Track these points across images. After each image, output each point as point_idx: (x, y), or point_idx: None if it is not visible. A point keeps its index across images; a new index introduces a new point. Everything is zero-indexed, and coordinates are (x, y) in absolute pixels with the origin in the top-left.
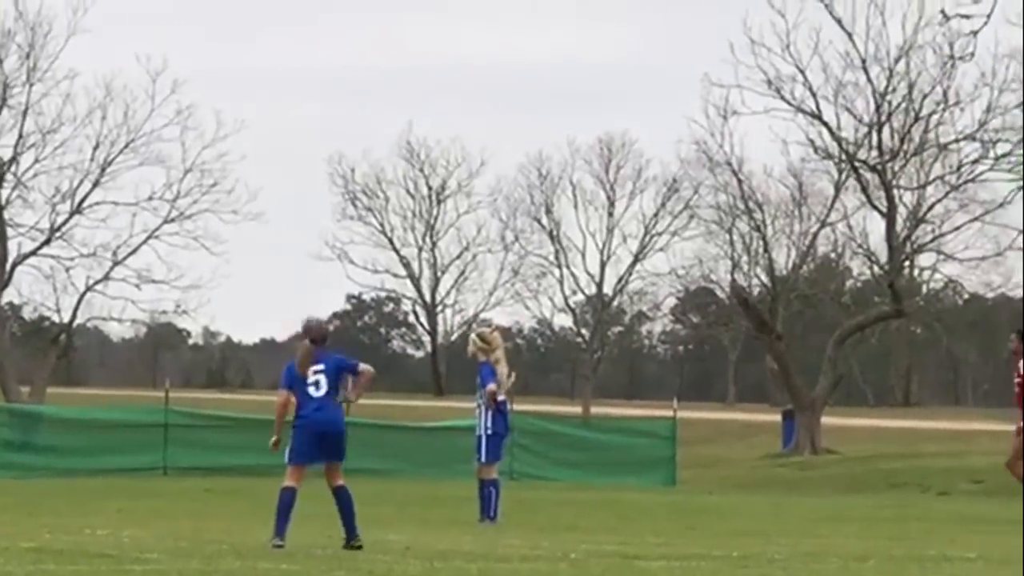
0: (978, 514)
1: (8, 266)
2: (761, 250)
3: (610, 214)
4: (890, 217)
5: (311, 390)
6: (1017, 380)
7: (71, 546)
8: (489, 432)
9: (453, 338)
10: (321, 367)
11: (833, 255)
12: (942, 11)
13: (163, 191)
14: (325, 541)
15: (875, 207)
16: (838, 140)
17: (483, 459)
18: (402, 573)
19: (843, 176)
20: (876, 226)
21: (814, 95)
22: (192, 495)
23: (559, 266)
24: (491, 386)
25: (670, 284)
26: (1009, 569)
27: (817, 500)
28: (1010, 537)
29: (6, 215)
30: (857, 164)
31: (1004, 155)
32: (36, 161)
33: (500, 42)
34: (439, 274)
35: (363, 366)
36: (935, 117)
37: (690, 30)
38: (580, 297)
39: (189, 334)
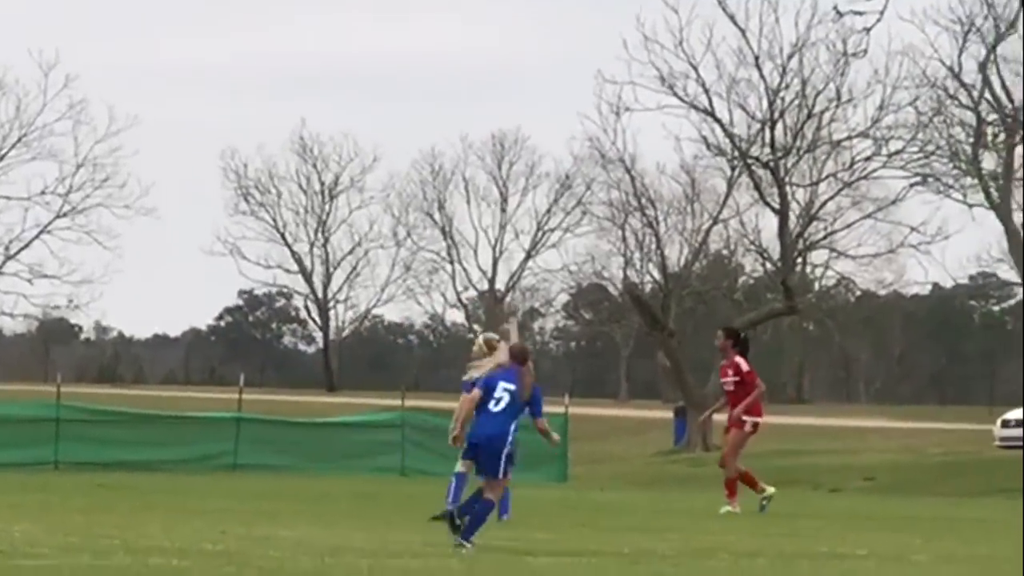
0: (870, 511)
1: None
2: (654, 247)
3: (503, 210)
4: (783, 214)
5: (491, 404)
6: (729, 380)
7: None
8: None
9: (345, 334)
10: (512, 387)
11: (725, 252)
12: (835, 7)
13: (55, 185)
14: (217, 537)
15: (768, 204)
16: (731, 137)
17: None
18: (293, 569)
19: (736, 173)
20: (769, 223)
21: (707, 92)
22: (84, 490)
23: (451, 262)
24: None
25: (562, 280)
26: (899, 566)
27: (708, 497)
28: (901, 534)
29: None
30: (750, 161)
31: (896, 152)
32: None
33: (393, 37)
34: (331, 270)
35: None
36: (828, 114)
37: (584, 26)
38: (472, 293)
39: (81, 329)
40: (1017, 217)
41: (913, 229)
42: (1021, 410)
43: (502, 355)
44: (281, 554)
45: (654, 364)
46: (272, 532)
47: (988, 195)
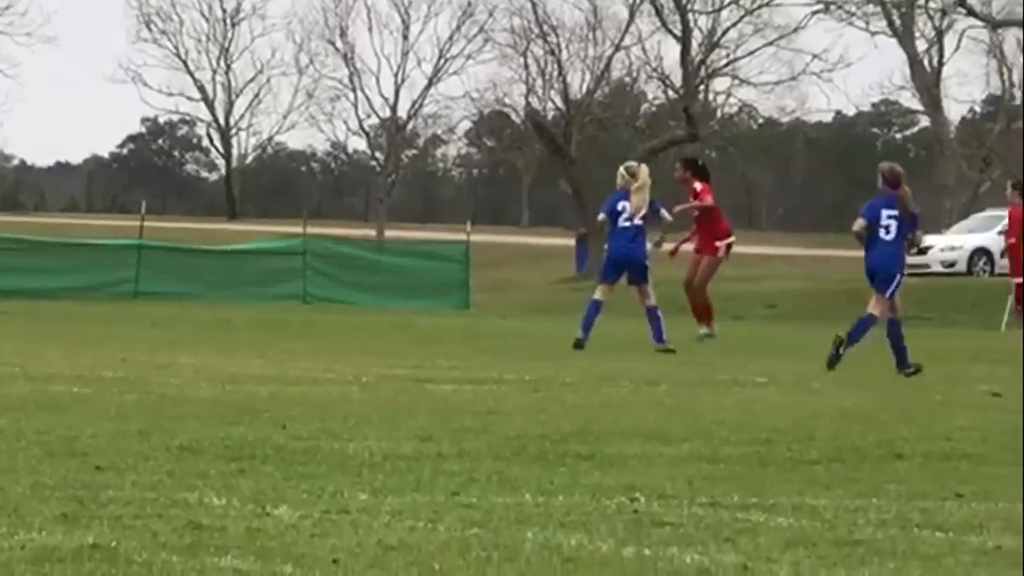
0: (771, 339)
1: None
2: (556, 74)
3: (405, 37)
4: (685, 41)
5: (882, 233)
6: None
7: None
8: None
9: (248, 161)
10: (895, 213)
11: (628, 79)
12: None
13: None
14: (118, 364)
15: (670, 31)
16: None
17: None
18: (194, 396)
19: (638, 0)
20: (671, 50)
21: None
22: None
23: (353, 89)
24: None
25: (465, 108)
26: (799, 393)
27: (609, 323)
28: (801, 361)
29: None
30: None
31: None
32: None
33: None
34: (233, 97)
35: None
36: None
37: None
38: (374, 120)
39: None
40: (919, 44)
41: (815, 56)
42: (924, 238)
43: (644, 178)
44: (182, 381)
45: (556, 191)
46: (173, 360)
47: (891, 23)
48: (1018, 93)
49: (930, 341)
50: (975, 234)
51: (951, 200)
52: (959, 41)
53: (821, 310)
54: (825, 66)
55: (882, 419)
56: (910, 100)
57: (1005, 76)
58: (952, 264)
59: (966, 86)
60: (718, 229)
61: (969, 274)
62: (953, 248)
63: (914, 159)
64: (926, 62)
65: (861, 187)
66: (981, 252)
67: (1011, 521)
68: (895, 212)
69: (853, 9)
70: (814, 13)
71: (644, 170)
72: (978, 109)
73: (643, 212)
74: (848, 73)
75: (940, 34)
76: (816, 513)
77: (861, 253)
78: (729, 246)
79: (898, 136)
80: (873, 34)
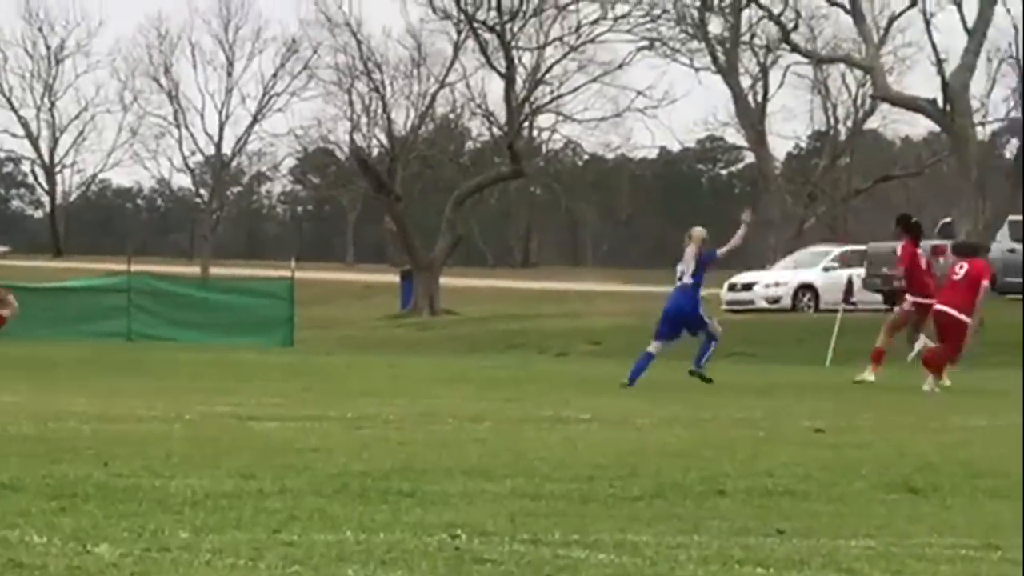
0: (595, 375)
1: None
2: (380, 111)
3: (229, 74)
4: (509, 78)
5: None
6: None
7: None
8: None
9: (73, 198)
10: None
11: (452, 116)
12: None
13: None
14: None
15: (494, 68)
16: (457, 0)
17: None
18: (15, 433)
19: (462, 36)
20: (495, 87)
21: None
22: None
23: (178, 126)
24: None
25: (289, 145)
26: (622, 430)
27: (435, 361)
28: (626, 399)
29: None
30: (476, 24)
31: (623, 16)
32: None
33: None
34: (58, 134)
35: None
36: None
37: None
38: (199, 157)
39: None
40: (744, 80)
41: (640, 93)
42: (748, 274)
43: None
44: (3, 419)
45: (381, 228)
46: None
47: (715, 59)
48: (841, 128)
49: (754, 377)
50: (800, 270)
51: (776, 236)
52: (783, 77)
53: (644, 346)
54: (650, 102)
55: (705, 455)
56: (735, 136)
57: (830, 112)
58: (777, 300)
59: (791, 122)
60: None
61: (794, 310)
62: (778, 284)
63: (739, 195)
64: (751, 98)
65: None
66: (806, 288)
67: (832, 557)
68: None
69: (677, 46)
70: (639, 50)
71: (694, 232)
72: (803, 145)
73: (691, 270)
74: (673, 109)
75: (765, 70)
76: (637, 550)
77: None
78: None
79: (723, 172)
80: (697, 70)
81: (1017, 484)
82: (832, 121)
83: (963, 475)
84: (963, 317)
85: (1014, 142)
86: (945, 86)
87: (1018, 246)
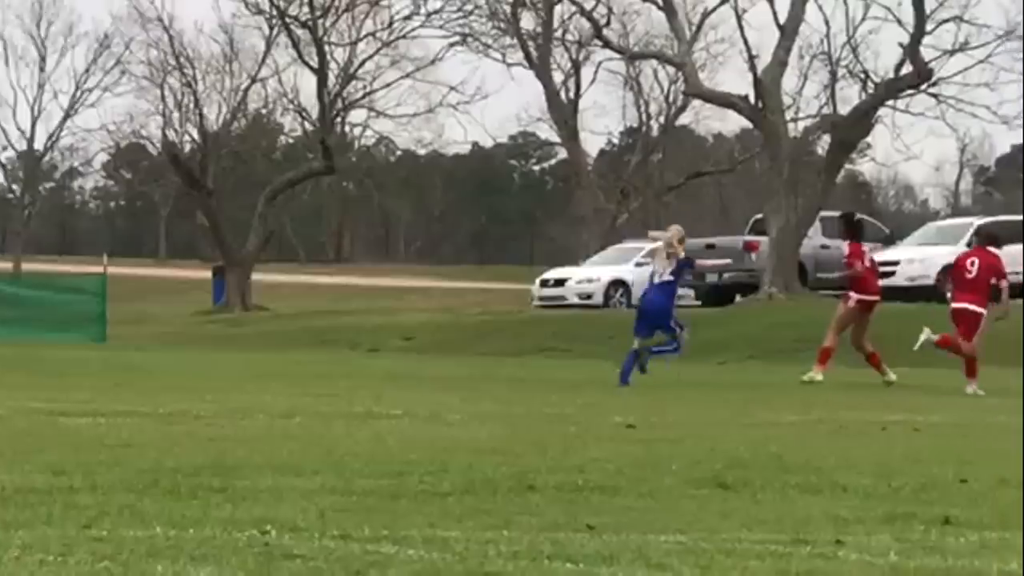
0: (407, 371)
1: None
2: (192, 106)
3: (41, 69)
4: (321, 73)
5: None
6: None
7: None
8: None
9: None
10: None
11: (264, 111)
12: None
13: None
14: None
15: (306, 63)
16: None
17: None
18: None
19: (274, 32)
20: (308, 82)
21: None
22: None
23: None
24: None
25: (101, 140)
26: (433, 425)
27: (247, 357)
28: (438, 394)
29: None
30: (288, 20)
31: (435, 12)
32: None
33: None
34: None
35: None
36: None
37: None
38: (11, 153)
39: None
40: (557, 76)
41: (452, 88)
42: (560, 270)
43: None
44: None
45: (193, 224)
46: None
47: (528, 55)
48: (654, 124)
49: (566, 373)
50: (612, 266)
51: (588, 232)
52: (596, 73)
53: (458, 342)
54: (462, 98)
55: (516, 451)
56: (548, 132)
57: (642, 108)
58: (589, 296)
59: (603, 118)
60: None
61: (606, 306)
62: (590, 280)
63: (552, 191)
64: (563, 94)
65: (500, 219)
66: (618, 284)
67: (642, 552)
68: None
69: (490, 41)
70: (451, 45)
71: (672, 230)
72: (616, 141)
73: (669, 268)
74: (485, 105)
75: (577, 66)
76: (447, 545)
77: (496, 285)
78: (860, 301)
79: (536, 168)
80: (510, 66)
81: (826, 478)
82: (644, 117)
83: (773, 470)
84: (979, 309)
85: (826, 138)
86: (757, 82)
87: (830, 242)
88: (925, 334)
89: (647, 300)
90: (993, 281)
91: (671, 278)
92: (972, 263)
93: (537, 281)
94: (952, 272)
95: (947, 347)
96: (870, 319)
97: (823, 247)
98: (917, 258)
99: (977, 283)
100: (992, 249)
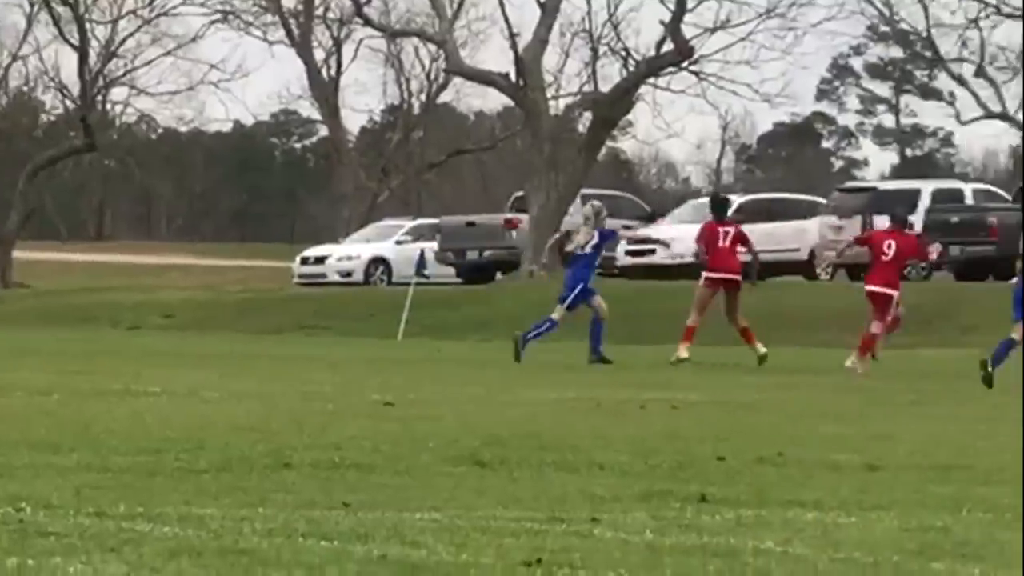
0: (167, 348)
1: None
2: None
3: None
4: (82, 51)
5: None
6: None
7: None
8: None
9: None
10: None
11: (26, 89)
12: None
13: None
14: None
15: (67, 41)
16: None
17: None
18: None
19: (35, 9)
20: (69, 60)
21: None
22: None
23: None
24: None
25: None
26: (191, 403)
27: (6, 334)
28: (197, 371)
29: None
30: None
31: None
32: None
33: None
34: None
35: None
36: None
37: None
38: None
39: None
40: (318, 54)
41: (213, 66)
42: (321, 247)
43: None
44: None
45: None
46: None
47: (289, 32)
48: (415, 102)
49: (326, 350)
50: (372, 243)
51: (349, 209)
52: (357, 51)
53: (219, 319)
54: (223, 76)
55: (273, 428)
56: (309, 110)
57: (403, 85)
58: (349, 273)
59: (364, 96)
60: None
61: (366, 283)
62: (350, 258)
63: (314, 168)
64: (324, 72)
65: (261, 197)
66: (378, 261)
67: (397, 530)
68: None
69: (251, 19)
70: (212, 23)
71: (592, 205)
72: (377, 119)
73: (591, 241)
74: (247, 83)
75: (338, 44)
76: (203, 523)
77: (258, 262)
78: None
79: (298, 146)
80: (271, 44)
81: (583, 456)
82: (406, 95)
83: (530, 448)
84: (892, 292)
85: (587, 116)
86: (518, 60)
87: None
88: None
89: (570, 273)
90: (910, 259)
91: (592, 251)
92: (889, 245)
93: (297, 259)
94: (872, 254)
95: (871, 346)
96: (737, 296)
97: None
98: (678, 236)
99: (891, 265)
100: (909, 232)
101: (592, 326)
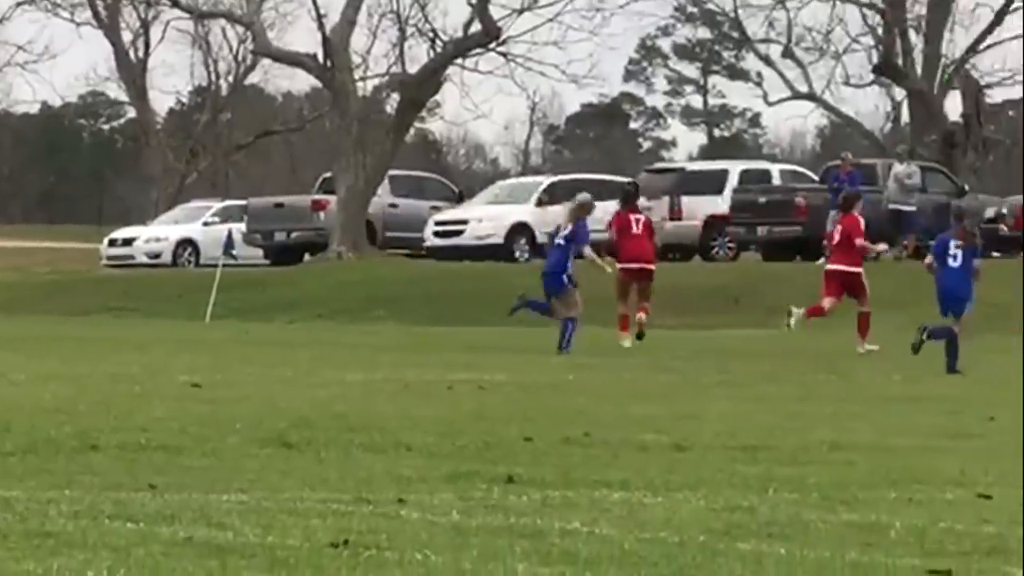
0: None
1: None
2: None
3: None
4: None
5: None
6: None
7: None
8: None
9: None
10: None
11: None
12: None
13: None
14: None
15: None
16: None
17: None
18: None
19: None
20: None
21: None
22: None
23: None
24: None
25: None
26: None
27: None
28: (3, 353)
29: None
30: None
31: None
32: None
33: None
34: None
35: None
36: None
37: None
38: None
39: None
40: (126, 35)
41: (20, 48)
42: (128, 229)
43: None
44: None
45: None
46: None
47: (96, 13)
48: (223, 84)
49: (134, 332)
50: (180, 225)
51: (157, 191)
52: (164, 32)
53: (25, 301)
54: (30, 57)
55: (80, 411)
56: (117, 91)
57: (211, 67)
58: (157, 255)
59: (172, 77)
60: None
61: (174, 265)
62: (158, 239)
63: (121, 150)
64: (132, 53)
65: (69, 178)
66: (186, 243)
67: (203, 512)
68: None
69: (58, 0)
70: (19, 4)
71: (579, 198)
72: (185, 100)
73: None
74: (54, 64)
75: (146, 25)
76: (8, 505)
77: (66, 244)
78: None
79: (106, 127)
80: (79, 25)
81: (390, 437)
82: (214, 76)
83: (338, 429)
84: (854, 269)
85: (395, 97)
86: (326, 41)
87: (399, 200)
88: (795, 315)
89: (548, 263)
90: (859, 242)
91: (563, 242)
92: (839, 230)
93: (105, 240)
94: (827, 238)
95: (817, 315)
96: (651, 285)
97: (392, 206)
98: (486, 216)
99: (844, 246)
100: (853, 212)
101: (537, 307)
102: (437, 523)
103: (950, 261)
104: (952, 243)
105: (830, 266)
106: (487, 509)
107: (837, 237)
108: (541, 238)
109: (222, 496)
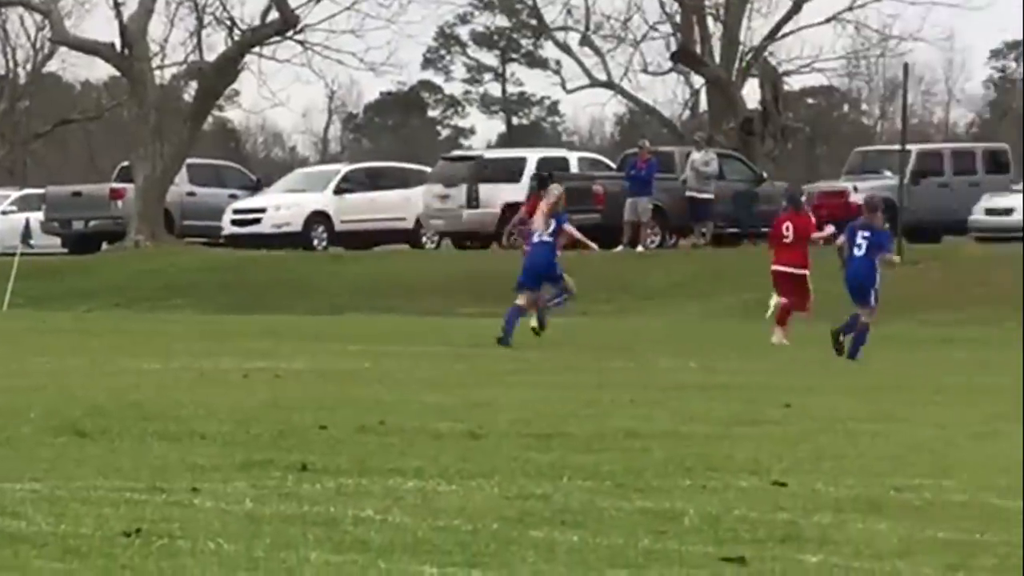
0: None
1: None
2: None
3: None
4: None
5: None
6: None
7: None
8: None
9: None
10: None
11: None
12: None
13: None
14: None
15: None
16: None
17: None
18: None
19: None
20: None
21: None
22: None
23: None
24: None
25: None
26: None
27: None
28: None
29: None
30: None
31: None
32: None
33: None
34: None
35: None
36: None
37: None
38: None
39: None
40: None
41: None
42: None
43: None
44: None
45: None
46: None
47: None
48: (21, 72)
49: None
50: None
51: None
52: None
53: None
54: None
55: None
56: None
57: (9, 55)
58: None
59: None
60: None
61: None
62: None
63: None
64: None
65: None
66: None
67: None
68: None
69: None
70: None
71: (551, 190)
72: None
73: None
74: None
75: None
76: None
77: None
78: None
79: None
80: None
81: (185, 426)
82: (11, 64)
83: (132, 418)
84: (801, 271)
85: (193, 85)
86: (123, 29)
87: (197, 189)
88: (774, 300)
89: (531, 257)
90: (814, 235)
91: (549, 238)
92: (787, 228)
93: None
94: (770, 236)
95: (788, 316)
96: None
97: (190, 195)
98: (284, 205)
99: (795, 246)
100: (806, 211)
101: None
102: (230, 511)
103: (856, 251)
104: (859, 233)
105: (777, 267)
106: (281, 497)
107: (788, 236)
108: (339, 227)
109: (15, 485)
